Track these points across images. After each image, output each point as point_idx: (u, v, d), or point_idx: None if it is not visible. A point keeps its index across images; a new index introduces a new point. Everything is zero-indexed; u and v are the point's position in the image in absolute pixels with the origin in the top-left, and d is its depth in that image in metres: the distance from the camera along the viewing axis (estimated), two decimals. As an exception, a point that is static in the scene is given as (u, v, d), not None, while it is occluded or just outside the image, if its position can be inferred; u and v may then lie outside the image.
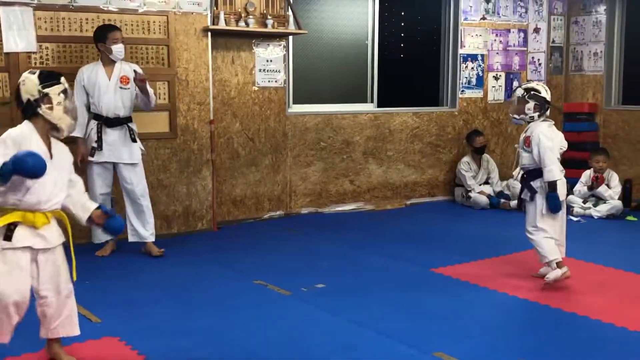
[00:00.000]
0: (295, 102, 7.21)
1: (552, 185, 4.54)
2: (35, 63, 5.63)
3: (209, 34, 6.34)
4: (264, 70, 6.78)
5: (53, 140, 3.26)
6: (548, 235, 4.63)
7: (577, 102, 8.60)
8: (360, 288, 4.67)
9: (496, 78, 8.32)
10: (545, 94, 4.66)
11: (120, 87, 5.35)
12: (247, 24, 6.48)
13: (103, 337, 3.73)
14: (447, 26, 8.13)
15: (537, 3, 8.51)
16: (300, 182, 7.18)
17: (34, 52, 5.61)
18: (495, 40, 8.26)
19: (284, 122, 6.98)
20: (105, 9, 5.85)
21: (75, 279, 3.34)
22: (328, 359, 3.49)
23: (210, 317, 4.07)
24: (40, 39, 5.63)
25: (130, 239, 5.49)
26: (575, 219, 6.97)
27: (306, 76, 7.33)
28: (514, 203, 7.34)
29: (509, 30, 8.36)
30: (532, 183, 4.67)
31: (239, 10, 6.51)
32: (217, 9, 6.38)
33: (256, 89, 6.77)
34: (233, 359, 3.51)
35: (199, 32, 6.29)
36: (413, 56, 8.22)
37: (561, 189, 4.63)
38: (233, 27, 6.41)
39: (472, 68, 8.13)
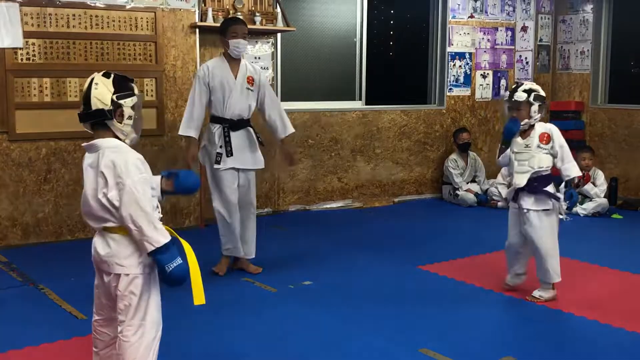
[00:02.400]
0: (283, 100, 7.18)
1: (577, 183, 4.37)
2: (22, 59, 5.60)
3: (197, 30, 6.33)
4: (252, 67, 6.76)
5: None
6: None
7: (564, 101, 8.65)
8: (347, 285, 4.68)
9: (484, 76, 8.35)
10: (543, 92, 4.34)
11: (247, 89, 4.87)
12: (235, 21, 6.46)
13: (89, 335, 3.70)
14: (435, 24, 8.15)
15: (524, 2, 8.54)
16: (288, 179, 7.18)
17: (20, 48, 5.58)
18: (483, 38, 8.28)
19: (272, 119, 6.97)
20: (93, 5, 5.83)
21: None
22: (314, 356, 3.50)
23: (196, 314, 4.06)
24: (27, 34, 5.60)
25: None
26: (561, 217, 6.99)
27: (294, 73, 7.33)
28: (501, 204, 7.39)
29: (496, 29, 8.39)
30: (548, 189, 4.28)
31: (227, 7, 6.50)
32: (205, 5, 6.37)
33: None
34: (220, 355, 3.51)
35: (187, 29, 6.28)
36: (401, 54, 8.24)
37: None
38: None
39: (460, 66, 8.15)
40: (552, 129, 4.30)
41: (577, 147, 7.72)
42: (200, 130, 4.91)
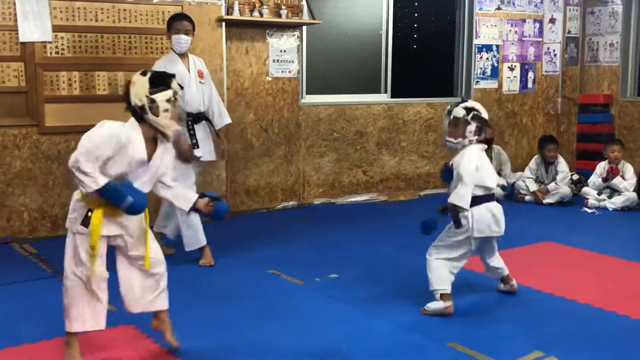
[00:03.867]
0: (308, 93, 7.20)
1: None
2: (51, 53, 5.66)
3: (223, 24, 6.35)
4: (277, 60, 6.78)
5: (160, 143, 3.21)
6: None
7: (593, 94, 8.54)
8: (373, 278, 4.68)
9: (511, 69, 8.27)
10: (485, 114, 4.06)
11: (200, 82, 5.02)
12: (261, 14, 6.47)
13: (120, 325, 3.76)
14: (462, 16, 8.08)
15: (552, -7, 8.44)
16: (313, 172, 7.18)
17: (49, 42, 5.64)
18: (510, 30, 8.20)
19: (297, 112, 6.98)
20: (121, -1, 5.87)
21: (148, 267, 3.31)
22: (341, 349, 3.50)
23: (223, 306, 4.09)
24: (56, 28, 5.66)
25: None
26: (589, 210, 6.93)
27: (320, 66, 7.32)
28: (528, 197, 7.34)
29: (524, 21, 8.30)
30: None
31: (253, 0, 6.51)
32: (231, -1, 6.38)
33: (270, 79, 6.77)
34: (246, 348, 3.52)
35: (213, 22, 6.29)
36: (427, 46, 8.19)
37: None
38: (247, 17, 6.42)
39: (487, 59, 8.08)
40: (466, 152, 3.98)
41: (605, 140, 7.64)
42: None
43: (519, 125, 8.41)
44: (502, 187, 7.59)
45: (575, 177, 7.64)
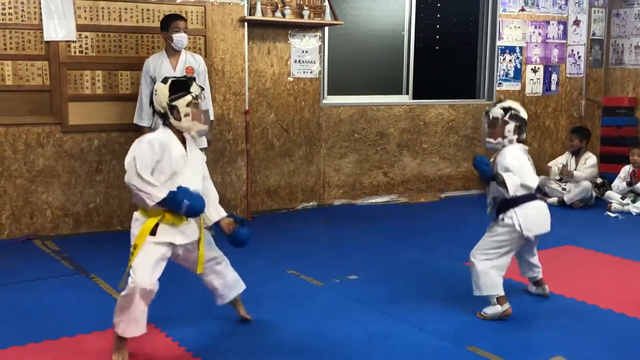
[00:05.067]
0: (329, 94, 7.20)
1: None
2: (75, 52, 5.71)
3: (246, 24, 6.36)
4: (299, 61, 6.79)
5: (188, 140, 3.45)
6: None
7: (617, 96, 8.44)
8: (392, 280, 4.66)
9: (534, 71, 8.20)
10: (524, 113, 4.08)
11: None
12: (283, 15, 6.48)
13: (138, 323, 3.78)
14: (485, 17, 8.03)
15: (577, -5, 8.36)
16: (333, 173, 7.17)
17: (73, 41, 5.69)
18: (534, 32, 8.14)
19: (318, 113, 6.98)
20: (144, -2, 5.91)
21: (200, 271, 3.50)
22: (359, 350, 3.49)
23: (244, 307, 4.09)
24: (80, 28, 5.71)
25: None
26: (613, 215, 6.85)
27: (341, 67, 7.31)
28: (551, 200, 7.26)
29: (548, 22, 8.23)
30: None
31: (276, 0, 6.52)
32: (253, -1, 6.40)
33: (291, 79, 6.78)
34: (265, 348, 3.53)
35: (236, 23, 6.31)
36: (450, 47, 8.14)
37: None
38: (269, 18, 6.43)
39: (510, 60, 8.02)
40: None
41: (630, 144, 7.55)
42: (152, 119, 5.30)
43: (542, 128, 8.33)
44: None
45: (599, 180, 7.55)
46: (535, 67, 8.21)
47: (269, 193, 6.81)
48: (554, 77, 8.31)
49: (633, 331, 3.79)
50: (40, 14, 5.56)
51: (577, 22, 8.41)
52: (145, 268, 3.26)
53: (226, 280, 3.69)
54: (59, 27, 5.62)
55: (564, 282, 4.60)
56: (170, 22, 5.35)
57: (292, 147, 6.86)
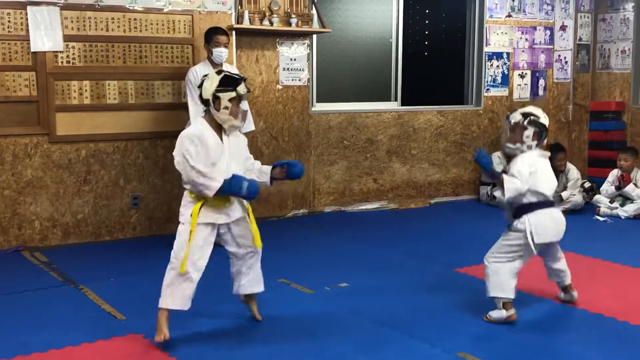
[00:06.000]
0: (318, 101, 7.21)
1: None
2: (62, 62, 5.69)
3: (234, 32, 6.36)
4: (287, 69, 6.79)
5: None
6: None
7: (604, 101, 8.49)
8: (383, 287, 4.66)
9: (522, 76, 8.24)
10: (545, 119, 4.07)
11: None
12: (271, 23, 6.49)
13: (128, 334, 3.76)
14: (472, 24, 8.07)
15: (563, 0, 8.41)
16: (323, 180, 7.17)
17: (60, 52, 5.68)
18: (521, 38, 8.18)
19: (307, 120, 6.99)
20: (131, 8, 5.90)
21: (260, 246, 3.90)
22: (350, 358, 3.49)
23: (233, 315, 4.08)
24: (67, 38, 5.70)
25: None
26: (602, 219, 6.88)
27: (330, 75, 7.33)
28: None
29: (534, 28, 8.27)
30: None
31: (263, 9, 6.52)
32: (241, 8, 6.40)
33: (280, 87, 6.78)
34: (255, 357, 3.51)
35: (224, 31, 6.31)
36: (437, 54, 8.18)
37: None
38: (257, 26, 6.43)
39: (498, 66, 8.06)
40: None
41: (617, 148, 7.59)
42: None
43: (530, 133, 8.35)
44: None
45: (587, 184, 7.59)
46: (522, 72, 8.25)
47: (259, 200, 6.78)
48: (542, 82, 8.36)
49: (623, 335, 3.80)
50: (27, 24, 5.54)
51: (563, 28, 8.46)
52: (189, 250, 3.58)
53: (253, 273, 3.93)
54: (45, 38, 5.60)
55: (554, 286, 4.60)
56: (212, 36, 5.51)
57: (282, 154, 6.85)
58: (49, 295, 4.52)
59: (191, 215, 3.59)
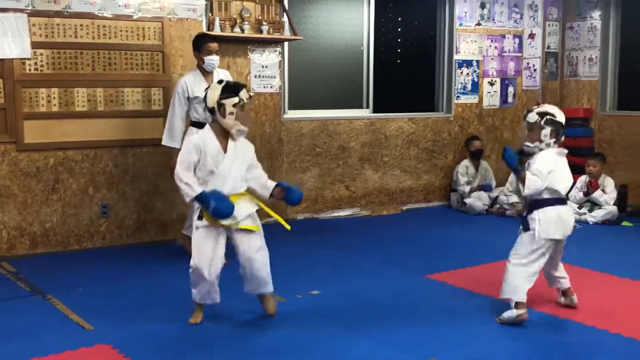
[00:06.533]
0: (290, 108, 7.21)
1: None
2: (30, 70, 5.62)
3: (204, 40, 6.33)
4: (259, 76, 6.78)
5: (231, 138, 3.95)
6: None
7: (572, 108, 8.61)
8: (355, 294, 4.66)
9: (491, 84, 8.33)
10: (561, 117, 4.16)
11: None
12: (242, 30, 6.47)
13: (96, 345, 3.71)
14: (442, 32, 8.14)
15: (532, 9, 8.52)
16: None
17: (28, 59, 5.60)
18: (490, 46, 8.27)
19: (279, 127, 6.98)
20: (100, 15, 5.85)
21: (289, 228, 4.21)
22: (322, 366, 3.48)
23: (204, 324, 4.05)
24: (35, 45, 5.62)
25: None
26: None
27: (302, 82, 7.33)
28: (509, 212, 7.37)
29: (504, 36, 8.37)
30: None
31: (234, 16, 6.51)
32: (212, 15, 6.38)
33: (251, 94, 6.75)
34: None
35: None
36: (409, 62, 8.23)
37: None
38: (228, 33, 6.41)
39: (467, 74, 8.13)
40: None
41: (586, 154, 7.70)
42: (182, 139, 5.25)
43: (499, 140, 8.44)
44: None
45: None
46: (492, 80, 8.33)
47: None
48: (511, 89, 8.45)
49: (591, 340, 3.84)
50: (-6, 31, 5.47)
51: (532, 36, 8.57)
52: (199, 251, 3.90)
53: (260, 274, 4.09)
54: (13, 45, 5.52)
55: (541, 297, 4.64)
56: (201, 44, 5.35)
57: (253, 162, 6.82)
58: (16, 305, 4.44)
59: (198, 218, 3.89)
